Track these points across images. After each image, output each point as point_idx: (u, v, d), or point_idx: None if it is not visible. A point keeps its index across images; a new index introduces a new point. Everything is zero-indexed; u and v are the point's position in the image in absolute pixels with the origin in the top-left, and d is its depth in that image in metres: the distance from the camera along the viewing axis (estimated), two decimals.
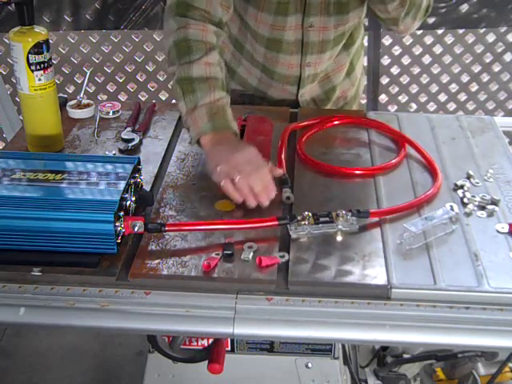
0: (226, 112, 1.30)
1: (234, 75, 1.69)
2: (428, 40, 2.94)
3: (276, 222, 1.14)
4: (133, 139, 1.44)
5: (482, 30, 2.83)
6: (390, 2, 1.38)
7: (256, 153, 1.24)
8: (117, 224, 1.07)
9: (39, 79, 1.32)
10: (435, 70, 2.98)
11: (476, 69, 2.98)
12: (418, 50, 2.98)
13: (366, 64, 2.69)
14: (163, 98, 3.01)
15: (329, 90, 1.68)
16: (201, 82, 1.30)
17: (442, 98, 3.05)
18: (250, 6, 1.52)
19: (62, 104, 1.54)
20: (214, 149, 1.26)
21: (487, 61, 2.94)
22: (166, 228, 1.12)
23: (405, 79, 3.04)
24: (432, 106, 3.11)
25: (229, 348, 1.24)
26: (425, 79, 3.05)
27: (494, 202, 1.24)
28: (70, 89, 2.95)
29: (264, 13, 1.50)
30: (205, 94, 1.29)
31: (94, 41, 2.84)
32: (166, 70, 2.87)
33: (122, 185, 1.13)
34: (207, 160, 1.27)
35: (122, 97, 3.00)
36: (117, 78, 2.94)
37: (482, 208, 1.23)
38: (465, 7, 2.74)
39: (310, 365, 1.25)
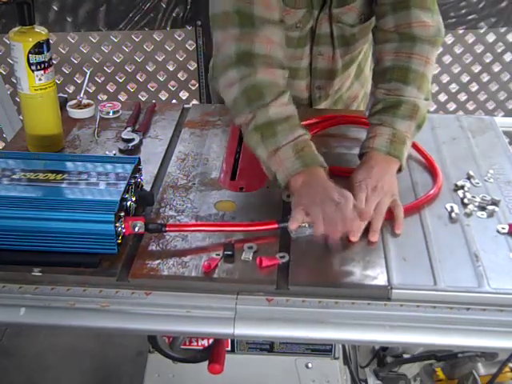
0: (311, 146, 1.21)
1: None
2: None
3: (276, 226, 1.14)
4: (133, 139, 1.44)
5: (482, 30, 2.83)
6: None
7: (348, 202, 1.12)
8: (117, 224, 1.07)
9: (39, 79, 1.32)
10: (435, 69, 2.98)
11: (476, 69, 2.97)
12: None
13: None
14: (163, 98, 3.00)
15: (337, 99, 1.67)
16: (281, 123, 1.21)
17: (442, 97, 3.04)
18: None
19: (62, 104, 1.54)
20: (303, 189, 1.16)
21: (487, 61, 2.93)
22: (167, 228, 1.12)
23: None
24: (432, 106, 3.11)
25: (229, 348, 1.24)
26: None
27: (495, 203, 1.24)
28: (70, 89, 2.95)
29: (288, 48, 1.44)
30: (287, 134, 1.20)
31: (94, 41, 2.84)
32: (166, 70, 2.87)
33: (122, 185, 1.13)
34: (294, 196, 1.17)
35: (122, 97, 3.00)
36: (117, 78, 2.94)
37: (483, 208, 1.23)
38: (465, 7, 2.73)
39: (310, 365, 1.25)
